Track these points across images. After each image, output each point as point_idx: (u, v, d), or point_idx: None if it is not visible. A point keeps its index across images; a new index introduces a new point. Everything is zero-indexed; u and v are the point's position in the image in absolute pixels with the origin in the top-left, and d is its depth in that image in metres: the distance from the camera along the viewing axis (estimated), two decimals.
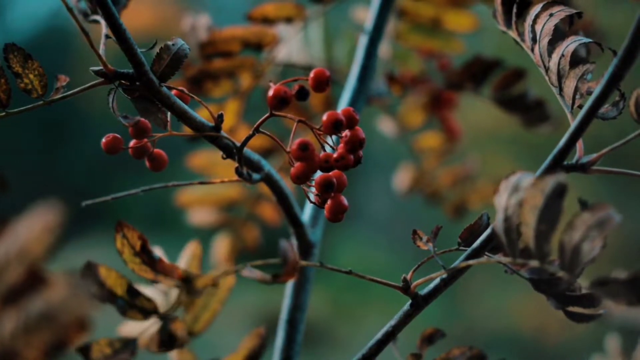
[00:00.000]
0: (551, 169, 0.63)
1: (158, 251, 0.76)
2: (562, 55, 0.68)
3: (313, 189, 0.65)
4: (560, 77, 0.68)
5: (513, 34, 0.74)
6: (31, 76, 0.65)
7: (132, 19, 0.74)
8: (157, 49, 0.67)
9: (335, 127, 0.62)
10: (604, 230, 0.52)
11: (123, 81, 0.66)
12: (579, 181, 2.64)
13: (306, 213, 0.88)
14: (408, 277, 0.66)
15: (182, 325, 0.64)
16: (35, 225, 0.40)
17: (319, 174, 0.64)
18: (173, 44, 0.66)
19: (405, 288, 0.66)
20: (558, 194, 0.54)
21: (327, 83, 0.63)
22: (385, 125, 1.27)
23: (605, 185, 2.98)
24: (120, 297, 0.61)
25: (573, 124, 0.63)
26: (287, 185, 0.76)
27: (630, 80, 0.61)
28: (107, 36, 0.69)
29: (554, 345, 2.92)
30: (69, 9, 0.65)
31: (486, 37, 2.63)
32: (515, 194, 0.56)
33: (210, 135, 0.68)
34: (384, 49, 1.16)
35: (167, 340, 0.63)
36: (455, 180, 1.30)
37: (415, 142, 1.29)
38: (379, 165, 3.02)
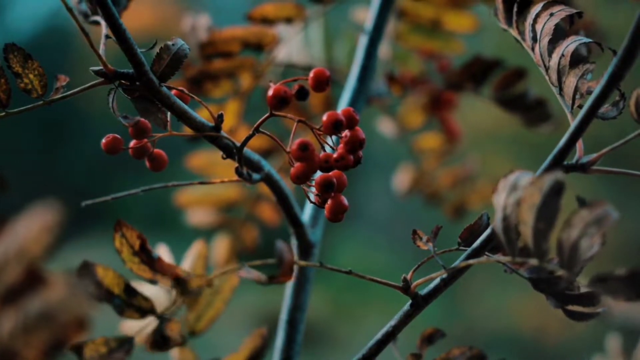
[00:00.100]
0: (551, 169, 0.63)
1: (162, 250, 0.76)
2: (563, 54, 0.68)
3: (313, 189, 0.65)
4: (560, 76, 0.68)
5: (514, 32, 0.74)
6: (31, 76, 0.65)
7: (132, 19, 0.74)
8: (157, 49, 0.67)
9: (335, 127, 0.62)
10: (602, 227, 0.52)
11: (123, 81, 0.66)
12: (579, 181, 2.64)
13: (306, 213, 0.88)
14: (408, 277, 0.66)
15: (177, 325, 0.64)
16: (34, 225, 0.40)
17: (319, 174, 0.64)
18: (173, 44, 0.66)
19: (405, 288, 0.66)
20: (555, 191, 0.54)
21: (327, 83, 0.63)
22: (385, 126, 1.27)
23: (605, 185, 2.98)
24: (117, 297, 0.61)
25: (573, 123, 0.63)
26: (287, 185, 0.76)
27: (630, 80, 0.61)
28: (107, 36, 0.69)
29: (554, 345, 2.92)
30: (69, 10, 0.65)
31: (486, 37, 2.63)
32: (513, 193, 0.56)
33: (210, 135, 0.68)
34: (384, 50, 1.16)
35: (160, 341, 0.63)
36: (455, 181, 1.30)
37: (415, 143, 1.29)
38: (379, 166, 3.02)
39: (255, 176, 0.68)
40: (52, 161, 3.64)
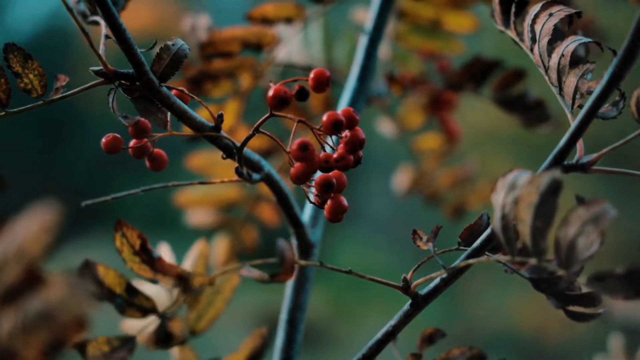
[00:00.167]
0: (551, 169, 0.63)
1: (164, 249, 0.76)
2: (562, 55, 0.68)
3: (313, 189, 0.65)
4: (560, 76, 0.68)
5: (511, 33, 0.74)
6: (31, 76, 0.65)
7: (132, 19, 0.74)
8: (157, 49, 0.67)
9: (335, 127, 0.62)
10: (599, 225, 0.52)
11: (123, 81, 0.66)
12: (579, 181, 2.64)
13: (306, 213, 0.88)
14: (408, 276, 0.66)
15: (180, 324, 0.64)
16: (33, 225, 0.40)
17: (318, 174, 0.64)
18: (173, 44, 0.66)
19: (405, 288, 0.66)
20: (553, 190, 0.54)
21: (327, 83, 0.63)
22: (385, 126, 1.27)
23: (605, 185, 2.98)
24: (119, 296, 0.61)
25: (573, 123, 0.63)
26: (287, 185, 0.76)
27: (630, 80, 0.61)
28: (107, 36, 0.69)
29: (554, 345, 2.92)
30: (69, 10, 0.65)
31: (486, 38, 2.63)
32: (511, 192, 0.56)
33: (210, 135, 0.68)
34: (384, 50, 1.16)
35: (164, 338, 0.63)
36: (454, 181, 1.30)
37: (414, 143, 1.29)
38: (378, 166, 3.02)
39: (255, 176, 0.68)
40: (52, 161, 3.64)
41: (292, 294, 0.85)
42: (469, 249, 0.66)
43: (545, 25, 0.69)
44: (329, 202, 0.65)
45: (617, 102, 0.66)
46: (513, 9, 0.73)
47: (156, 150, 0.69)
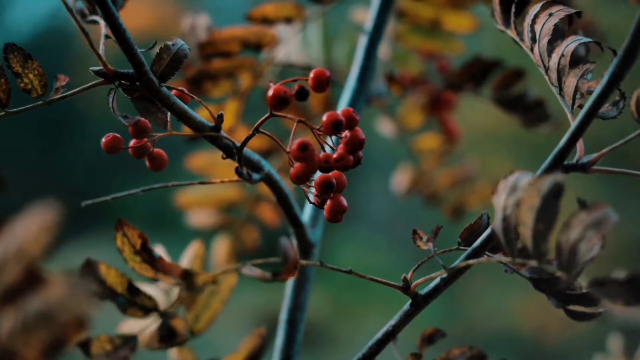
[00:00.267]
0: (551, 169, 0.63)
1: (160, 250, 0.76)
2: (562, 54, 0.68)
3: (313, 190, 0.65)
4: (560, 76, 0.68)
5: (512, 33, 0.74)
6: (31, 76, 0.65)
7: (132, 19, 0.74)
8: (157, 49, 0.67)
9: (335, 127, 0.62)
10: (601, 230, 0.52)
11: (123, 81, 0.66)
12: (579, 181, 2.64)
13: (306, 213, 0.88)
14: (408, 276, 0.66)
15: (182, 322, 0.64)
16: (33, 225, 0.40)
17: (318, 175, 0.64)
18: (173, 44, 0.66)
19: (405, 288, 0.66)
20: (555, 193, 0.54)
21: (327, 83, 0.63)
22: (385, 126, 1.27)
23: (605, 185, 2.98)
24: (121, 295, 0.61)
25: (573, 123, 0.63)
26: (287, 185, 0.76)
27: (630, 80, 0.61)
28: (106, 36, 0.69)
29: (554, 345, 2.92)
30: (69, 9, 0.65)
31: (486, 38, 2.63)
32: (513, 194, 0.56)
33: (210, 135, 0.68)
34: (384, 50, 1.16)
35: (167, 336, 0.63)
36: (454, 182, 1.30)
37: (414, 143, 1.29)
38: (378, 166, 3.02)
39: (255, 176, 0.68)
40: (52, 161, 3.64)
41: (292, 294, 0.85)
42: (469, 249, 0.66)
43: (546, 25, 0.69)
44: (328, 202, 0.65)
45: (617, 102, 0.66)
46: (513, 9, 0.73)
47: (156, 150, 0.69)
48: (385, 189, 1.57)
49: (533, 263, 0.56)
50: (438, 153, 1.29)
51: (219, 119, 0.67)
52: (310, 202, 0.66)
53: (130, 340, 0.62)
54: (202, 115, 0.70)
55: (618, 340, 0.92)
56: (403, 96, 1.20)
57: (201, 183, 0.74)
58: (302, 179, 0.63)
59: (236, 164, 0.66)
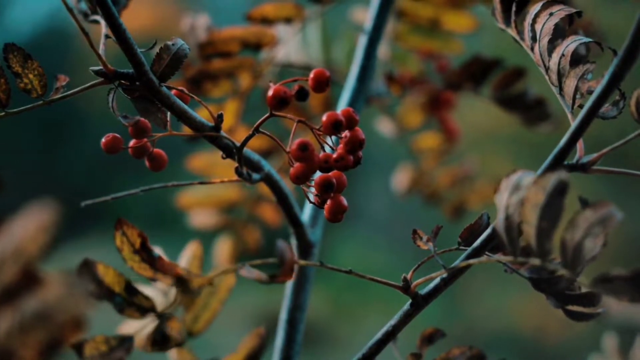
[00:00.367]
0: (552, 169, 0.63)
1: (158, 250, 0.76)
2: (563, 54, 0.68)
3: (312, 189, 0.65)
4: (560, 76, 0.68)
5: (512, 32, 0.74)
6: (31, 76, 0.65)
7: (132, 19, 0.74)
8: (157, 49, 0.67)
9: (334, 127, 0.62)
10: (606, 228, 0.52)
11: (123, 81, 0.66)
12: (579, 181, 2.64)
13: (306, 213, 0.88)
14: (408, 276, 0.66)
15: (178, 324, 0.64)
16: (30, 225, 0.40)
17: (318, 175, 0.64)
18: (173, 44, 0.66)
19: (405, 288, 0.66)
20: (560, 191, 0.54)
21: (327, 83, 0.63)
22: (384, 126, 1.27)
23: (605, 185, 2.98)
24: (118, 295, 0.61)
25: (574, 123, 0.63)
26: (287, 185, 0.76)
27: (630, 80, 0.61)
28: (106, 36, 0.68)
29: (554, 345, 2.92)
30: (69, 9, 0.65)
31: (485, 37, 2.63)
32: (516, 193, 0.56)
33: (210, 135, 0.68)
34: (383, 50, 1.16)
35: (160, 340, 0.63)
36: (454, 181, 1.30)
37: (414, 143, 1.29)
38: (378, 166, 3.02)
39: (255, 176, 0.68)
40: (52, 161, 3.64)
41: (292, 294, 0.85)
42: (469, 249, 0.66)
43: (546, 24, 0.69)
44: (328, 202, 0.65)
45: (617, 102, 0.65)
46: (514, 8, 0.73)
47: (156, 150, 0.69)
48: (385, 188, 1.57)
49: (536, 262, 0.56)
50: (438, 152, 1.29)
51: (219, 119, 0.67)
52: (310, 202, 0.66)
53: (125, 342, 0.62)
54: (202, 115, 0.70)
55: (613, 340, 0.92)
56: (403, 96, 1.20)
57: (201, 183, 0.74)
58: (302, 179, 0.63)
59: (236, 164, 0.66)
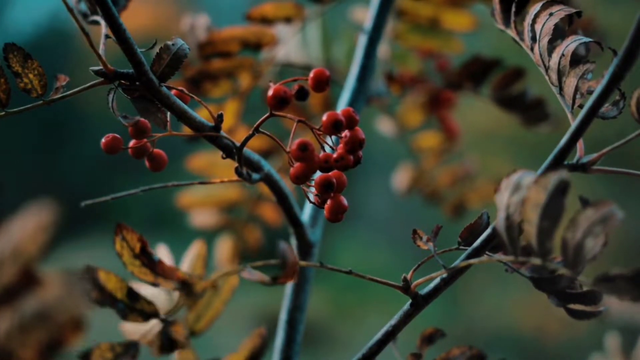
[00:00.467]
0: (552, 169, 0.63)
1: (162, 251, 0.76)
2: (563, 54, 0.68)
3: (313, 189, 0.65)
4: (560, 76, 0.68)
5: (512, 32, 0.74)
6: (31, 76, 0.65)
7: (132, 19, 0.74)
8: (156, 49, 0.67)
9: (335, 127, 0.62)
10: (607, 227, 0.52)
11: (123, 81, 0.66)
12: (579, 181, 2.64)
13: (306, 213, 0.88)
14: (408, 276, 0.66)
15: (182, 328, 0.64)
16: (28, 225, 0.40)
17: (318, 174, 0.64)
18: (173, 44, 0.66)
19: (406, 288, 0.66)
20: (561, 190, 0.54)
21: (327, 83, 0.63)
22: (384, 125, 1.27)
23: (605, 185, 2.98)
24: (121, 301, 0.61)
25: (574, 123, 0.63)
26: (287, 185, 0.76)
27: (630, 80, 0.61)
28: (106, 36, 0.68)
29: (554, 345, 2.92)
30: (69, 10, 0.65)
31: (485, 37, 2.63)
32: (517, 192, 0.56)
33: (210, 135, 0.68)
34: (383, 49, 1.16)
35: (167, 344, 0.63)
36: (454, 180, 1.30)
37: (414, 142, 1.29)
38: (378, 165, 3.02)
39: (255, 176, 0.68)
40: (52, 161, 3.64)
41: (292, 295, 0.85)
42: (469, 249, 0.66)
43: (546, 24, 0.69)
44: (328, 201, 0.65)
45: (617, 102, 0.65)
46: (513, 8, 0.73)
47: (156, 150, 0.69)
48: (385, 188, 1.57)
49: (536, 261, 0.56)
50: (438, 152, 1.29)
51: (219, 119, 0.67)
52: (311, 202, 0.66)
53: (131, 348, 0.62)
54: (202, 115, 0.70)
55: (615, 339, 0.92)
56: (403, 95, 1.20)
57: (201, 183, 0.74)
58: (302, 178, 0.63)
59: (236, 164, 0.66)
